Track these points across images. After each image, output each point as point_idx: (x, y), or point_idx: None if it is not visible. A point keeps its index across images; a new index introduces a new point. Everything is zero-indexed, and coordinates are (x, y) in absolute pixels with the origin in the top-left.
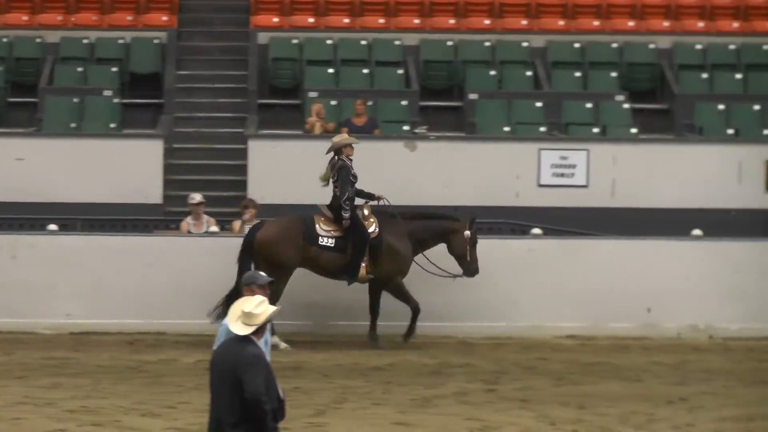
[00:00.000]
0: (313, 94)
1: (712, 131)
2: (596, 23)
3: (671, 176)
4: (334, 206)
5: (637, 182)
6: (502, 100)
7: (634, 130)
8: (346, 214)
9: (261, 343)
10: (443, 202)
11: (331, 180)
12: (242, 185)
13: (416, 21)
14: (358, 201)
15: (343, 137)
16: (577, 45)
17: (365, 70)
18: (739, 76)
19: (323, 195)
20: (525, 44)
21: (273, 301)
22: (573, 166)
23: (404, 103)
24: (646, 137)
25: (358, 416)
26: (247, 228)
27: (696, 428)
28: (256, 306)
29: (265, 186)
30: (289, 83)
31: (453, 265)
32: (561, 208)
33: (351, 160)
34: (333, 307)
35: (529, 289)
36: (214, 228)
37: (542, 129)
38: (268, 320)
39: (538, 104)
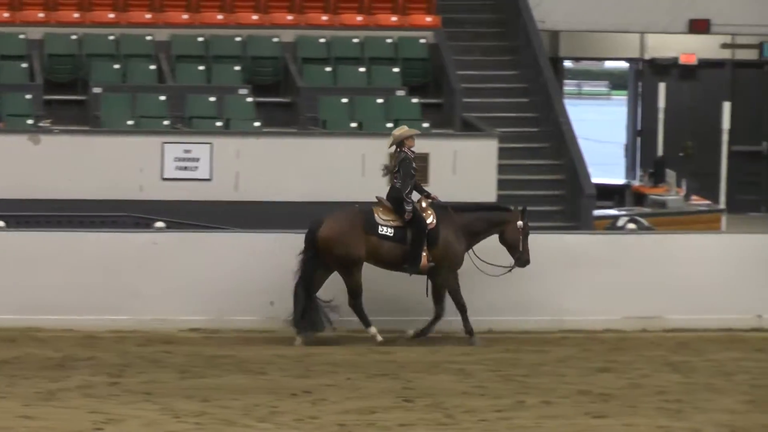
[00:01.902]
0: None
1: (335, 125)
2: (220, 17)
3: (295, 170)
4: (394, 198)
5: (261, 176)
6: (126, 94)
7: (257, 124)
8: (408, 207)
9: None
10: (68, 196)
11: (392, 172)
12: None
13: (40, 15)
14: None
15: (403, 129)
16: (200, 39)
17: None
18: (362, 69)
19: None
20: (149, 38)
21: (355, 295)
22: (196, 160)
23: (28, 96)
24: (270, 131)
25: None
26: None
27: (320, 420)
28: None
29: None
30: None
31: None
32: (185, 202)
33: (413, 152)
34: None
35: (153, 282)
36: None
37: (166, 122)
38: None
39: (162, 98)
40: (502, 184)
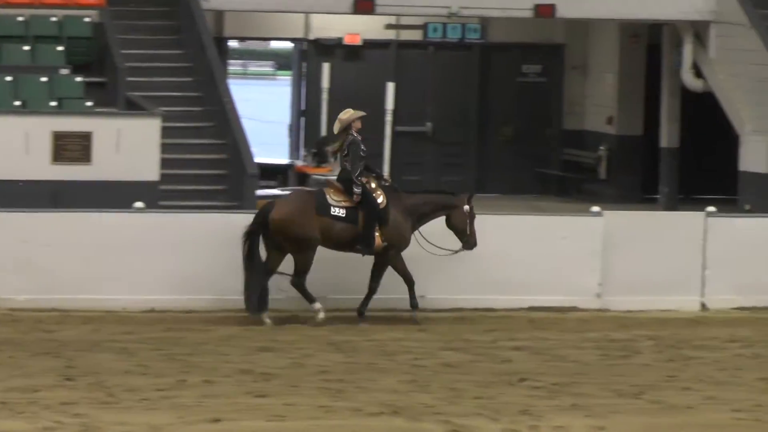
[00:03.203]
0: None
1: None
2: None
3: None
4: (345, 180)
5: None
6: None
7: None
8: (358, 189)
9: None
10: None
11: (340, 155)
12: None
13: None
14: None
15: (349, 112)
16: None
17: None
18: (26, 47)
19: None
20: None
21: (303, 273)
22: None
23: None
24: None
25: None
26: None
27: None
28: None
29: None
30: None
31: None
32: None
33: (359, 134)
34: None
35: None
36: None
37: None
38: None
39: None
40: (165, 163)
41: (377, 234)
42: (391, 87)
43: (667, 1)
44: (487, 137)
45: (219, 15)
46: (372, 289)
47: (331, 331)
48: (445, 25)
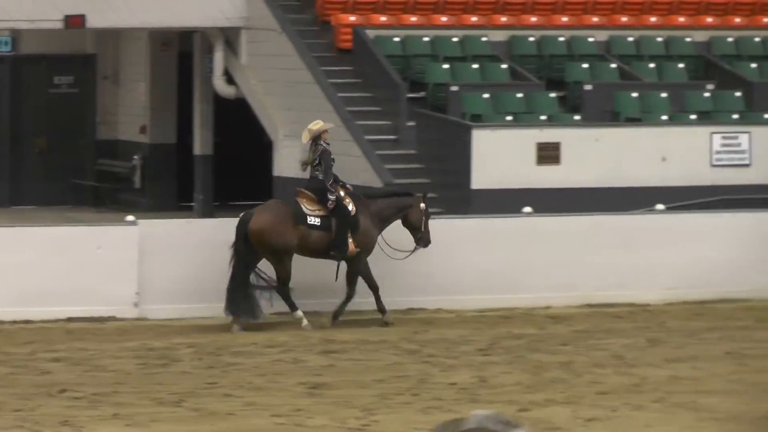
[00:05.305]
0: None
1: None
2: None
3: None
4: (318, 189)
5: None
6: None
7: None
8: (332, 197)
9: None
10: None
11: (311, 164)
12: None
13: None
14: None
15: (319, 124)
16: None
17: None
18: None
19: None
20: None
21: (284, 282)
22: None
23: None
24: None
25: None
26: None
27: None
28: None
29: None
30: None
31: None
32: None
33: (328, 144)
34: None
35: None
36: None
37: None
38: None
39: None
40: None
41: (350, 240)
42: None
43: (196, 9)
44: (21, 149)
45: None
46: (349, 294)
47: None
48: None
